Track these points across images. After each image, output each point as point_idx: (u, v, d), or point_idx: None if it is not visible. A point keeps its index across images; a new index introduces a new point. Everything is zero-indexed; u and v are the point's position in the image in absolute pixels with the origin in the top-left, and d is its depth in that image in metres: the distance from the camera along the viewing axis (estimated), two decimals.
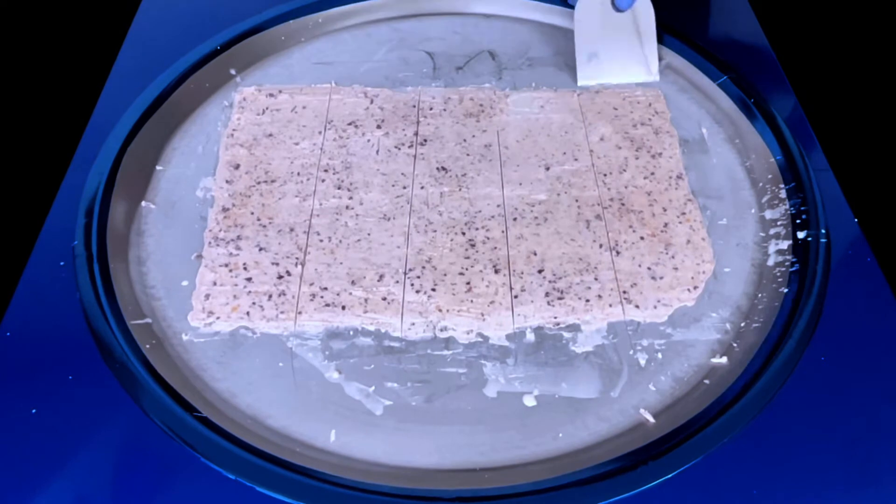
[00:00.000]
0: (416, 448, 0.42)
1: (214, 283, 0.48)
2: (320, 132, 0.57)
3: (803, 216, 0.50)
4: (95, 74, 0.62)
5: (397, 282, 0.48)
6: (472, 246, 0.50)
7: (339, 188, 0.53)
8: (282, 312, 0.46)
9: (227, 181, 0.53)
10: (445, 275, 0.48)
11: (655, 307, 0.47)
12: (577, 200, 0.53)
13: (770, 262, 0.49)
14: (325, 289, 0.48)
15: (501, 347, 0.46)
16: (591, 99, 0.59)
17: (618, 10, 0.58)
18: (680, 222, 0.51)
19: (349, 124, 0.57)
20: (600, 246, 0.50)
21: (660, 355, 0.45)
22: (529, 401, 0.43)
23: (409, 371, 0.45)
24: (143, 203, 0.52)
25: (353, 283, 0.48)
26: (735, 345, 0.46)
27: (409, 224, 0.51)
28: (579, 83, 0.60)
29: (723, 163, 0.56)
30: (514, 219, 0.52)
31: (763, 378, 0.43)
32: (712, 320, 0.47)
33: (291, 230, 0.51)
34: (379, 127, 0.57)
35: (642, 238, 0.50)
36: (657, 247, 0.50)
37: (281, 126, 0.57)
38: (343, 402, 0.43)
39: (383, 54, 0.63)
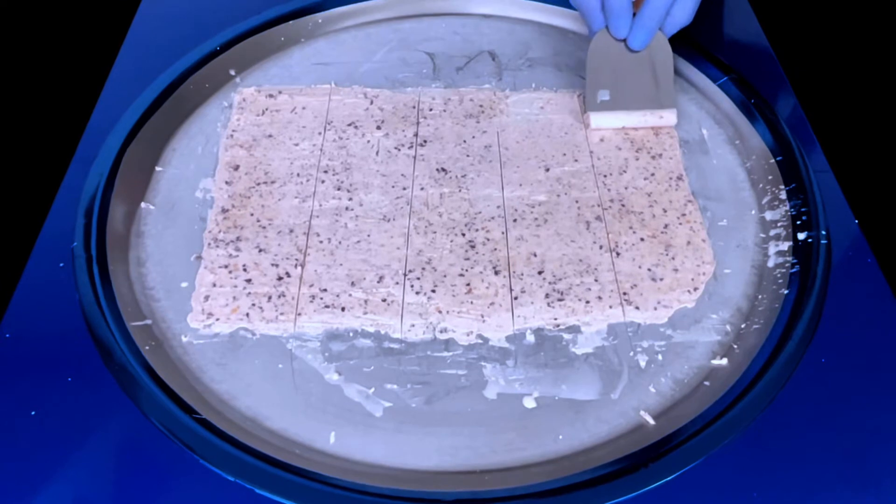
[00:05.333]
0: (416, 450, 0.42)
1: (214, 285, 0.48)
2: (320, 133, 0.57)
3: (804, 217, 0.50)
4: (95, 74, 0.61)
5: (397, 283, 0.48)
6: (472, 247, 0.50)
7: (338, 189, 0.53)
8: (281, 314, 0.46)
9: (226, 182, 0.53)
10: (445, 276, 0.48)
11: (655, 308, 0.47)
12: (577, 201, 0.53)
13: (770, 264, 0.49)
14: (325, 290, 0.48)
15: (501, 349, 0.46)
16: None
17: (631, 50, 0.55)
18: (680, 223, 0.51)
19: (349, 125, 0.57)
20: (600, 247, 0.50)
21: (660, 357, 0.45)
22: (529, 402, 0.43)
23: (409, 373, 0.44)
24: (143, 204, 0.52)
25: (352, 284, 0.48)
26: (735, 346, 0.46)
27: (408, 225, 0.51)
28: (593, 125, 0.57)
29: (723, 164, 0.55)
30: (514, 220, 0.51)
31: (763, 380, 0.43)
32: (712, 322, 0.47)
33: (291, 231, 0.51)
34: (379, 128, 0.57)
35: (642, 239, 0.50)
36: (657, 248, 0.50)
37: (280, 127, 0.57)
38: (343, 404, 0.43)
39: (383, 55, 0.63)
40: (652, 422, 0.42)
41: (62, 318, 0.46)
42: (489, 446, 0.42)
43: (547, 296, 0.47)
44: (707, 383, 0.44)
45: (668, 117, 0.57)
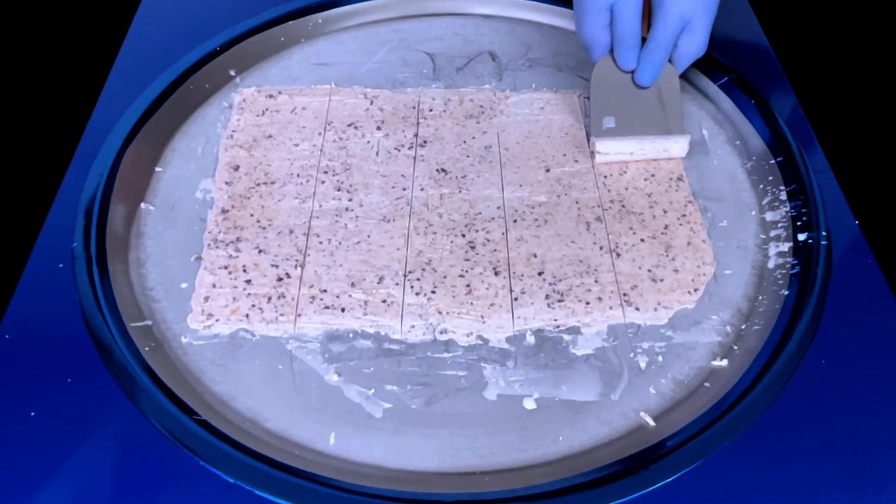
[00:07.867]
0: (416, 451, 0.42)
1: (214, 286, 0.48)
2: (320, 133, 0.57)
3: (804, 218, 0.50)
4: (95, 74, 0.61)
5: (397, 284, 0.48)
6: (472, 248, 0.50)
7: (338, 190, 0.53)
8: (281, 315, 0.46)
9: (226, 182, 0.53)
10: (445, 277, 0.48)
11: (656, 309, 0.47)
12: (577, 202, 0.52)
13: (771, 265, 0.49)
14: (325, 291, 0.47)
15: (501, 350, 0.46)
16: None
17: (639, 86, 0.54)
18: (680, 224, 0.51)
19: (349, 126, 0.57)
20: (600, 248, 0.50)
21: (660, 358, 0.45)
22: (529, 404, 0.43)
23: (409, 374, 0.44)
24: (143, 205, 0.52)
25: (352, 285, 0.48)
26: (736, 347, 0.46)
27: (408, 226, 0.51)
28: (599, 160, 0.55)
29: (723, 164, 0.55)
30: (514, 221, 0.51)
31: (764, 381, 0.43)
32: (713, 323, 0.47)
33: (291, 232, 0.51)
34: (379, 128, 0.57)
35: (643, 240, 0.50)
36: (657, 249, 0.50)
37: (280, 127, 0.57)
38: (342, 405, 0.43)
39: (383, 55, 0.63)
40: (652, 423, 0.42)
41: (62, 319, 0.46)
42: (489, 447, 0.42)
43: (547, 297, 0.47)
44: (707, 384, 0.44)
45: (679, 149, 0.55)
